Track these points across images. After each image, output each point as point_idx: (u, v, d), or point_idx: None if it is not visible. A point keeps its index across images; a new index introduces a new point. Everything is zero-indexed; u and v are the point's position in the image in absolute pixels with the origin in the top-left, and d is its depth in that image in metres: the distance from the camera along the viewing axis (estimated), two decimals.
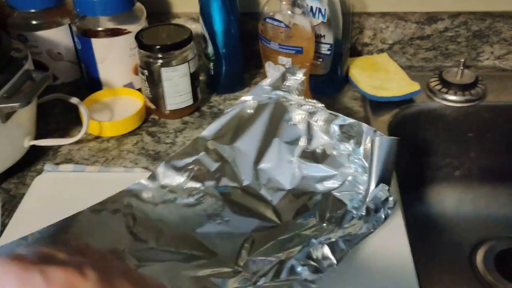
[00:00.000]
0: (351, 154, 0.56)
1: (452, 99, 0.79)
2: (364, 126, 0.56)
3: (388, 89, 0.79)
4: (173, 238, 0.50)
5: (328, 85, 0.81)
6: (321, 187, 0.56)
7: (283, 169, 0.58)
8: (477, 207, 0.86)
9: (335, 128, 0.58)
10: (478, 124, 0.81)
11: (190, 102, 0.73)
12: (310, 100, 0.61)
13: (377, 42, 0.88)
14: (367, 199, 0.52)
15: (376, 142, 0.53)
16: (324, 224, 0.50)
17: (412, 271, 0.50)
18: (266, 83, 0.63)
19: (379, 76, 0.81)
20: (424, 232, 0.83)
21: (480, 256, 0.80)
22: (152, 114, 0.76)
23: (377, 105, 0.79)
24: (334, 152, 0.57)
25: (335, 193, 0.55)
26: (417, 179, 0.86)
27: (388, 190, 0.52)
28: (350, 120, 0.58)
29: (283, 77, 0.63)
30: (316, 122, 0.59)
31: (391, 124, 0.76)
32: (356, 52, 0.89)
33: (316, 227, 0.51)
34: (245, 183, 0.58)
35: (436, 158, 0.84)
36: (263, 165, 0.59)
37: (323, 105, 0.61)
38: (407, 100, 0.79)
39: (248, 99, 0.63)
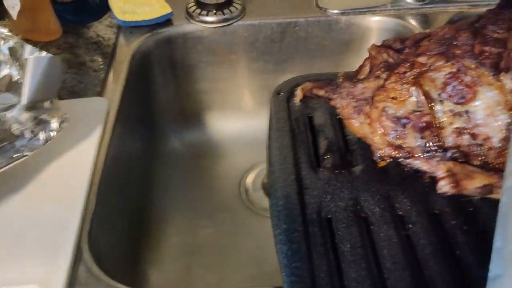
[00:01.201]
0: (20, 77, 0.53)
1: (209, 20, 0.77)
2: (27, 46, 0.53)
3: (139, 13, 0.75)
4: None
5: (80, 13, 0.76)
6: (8, 114, 0.53)
7: None
8: (255, 130, 0.86)
9: (6, 51, 0.54)
10: (239, 45, 0.80)
11: None
12: None
13: None
14: (20, 122, 0.49)
15: (29, 62, 0.50)
16: None
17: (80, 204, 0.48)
18: None
19: (135, 0, 0.77)
20: (200, 159, 0.83)
21: (251, 178, 0.81)
22: None
23: (132, 31, 0.75)
24: (18, 78, 0.54)
25: (13, 121, 0.51)
26: (195, 105, 0.85)
27: (49, 110, 0.50)
28: (18, 42, 0.54)
29: None
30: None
31: (139, 49, 0.73)
32: None
33: None
34: None
35: (206, 84, 0.83)
36: None
37: (7, 29, 0.57)
38: (163, 24, 0.76)
39: None
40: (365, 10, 0.79)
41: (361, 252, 0.40)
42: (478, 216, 0.43)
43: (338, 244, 0.42)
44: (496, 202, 0.41)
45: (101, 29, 0.76)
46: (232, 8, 0.77)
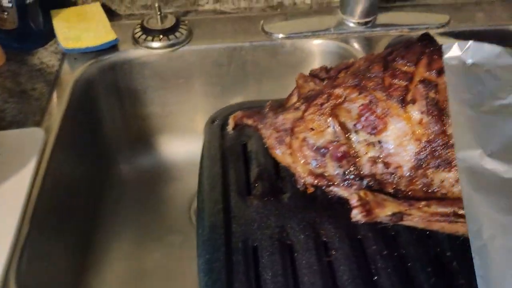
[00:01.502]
0: None
1: (154, 45, 0.78)
2: None
3: (84, 40, 0.75)
4: None
5: (25, 40, 0.76)
6: None
7: None
8: None
9: None
10: (187, 69, 0.81)
11: None
12: None
13: None
14: None
15: None
16: None
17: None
18: None
19: (80, 26, 0.78)
20: (150, 184, 0.84)
21: None
22: None
23: (77, 58, 0.76)
24: None
25: None
26: (145, 130, 0.85)
27: None
28: None
29: None
30: None
31: (82, 76, 0.73)
32: (71, 3, 0.84)
33: None
34: None
35: (155, 108, 0.83)
36: None
37: None
38: (108, 50, 0.77)
39: None
40: (309, 34, 0.81)
41: (281, 280, 0.41)
42: (399, 240, 0.45)
43: (261, 272, 0.42)
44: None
45: (45, 55, 0.76)
46: (177, 34, 0.78)
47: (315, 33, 0.81)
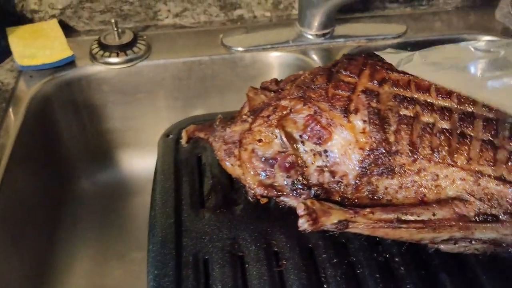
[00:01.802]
0: None
1: (112, 61, 0.77)
2: None
3: (39, 57, 0.75)
4: None
5: None
6: None
7: None
8: None
9: None
10: (146, 84, 0.80)
11: None
12: None
13: (45, 8, 0.83)
14: None
15: None
16: None
17: None
18: None
19: (36, 44, 0.77)
20: (112, 199, 0.83)
21: None
22: None
23: (33, 75, 0.75)
24: None
25: None
26: (105, 145, 0.84)
27: None
28: None
29: None
30: None
31: (38, 93, 0.72)
32: (27, 20, 0.84)
33: None
34: None
35: (116, 122, 0.83)
36: None
37: None
38: (66, 67, 0.76)
39: None
40: (268, 47, 0.82)
41: None
42: (349, 247, 0.45)
43: (211, 285, 0.42)
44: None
45: (1, 73, 0.75)
46: (135, 49, 0.78)
47: (274, 46, 0.82)
